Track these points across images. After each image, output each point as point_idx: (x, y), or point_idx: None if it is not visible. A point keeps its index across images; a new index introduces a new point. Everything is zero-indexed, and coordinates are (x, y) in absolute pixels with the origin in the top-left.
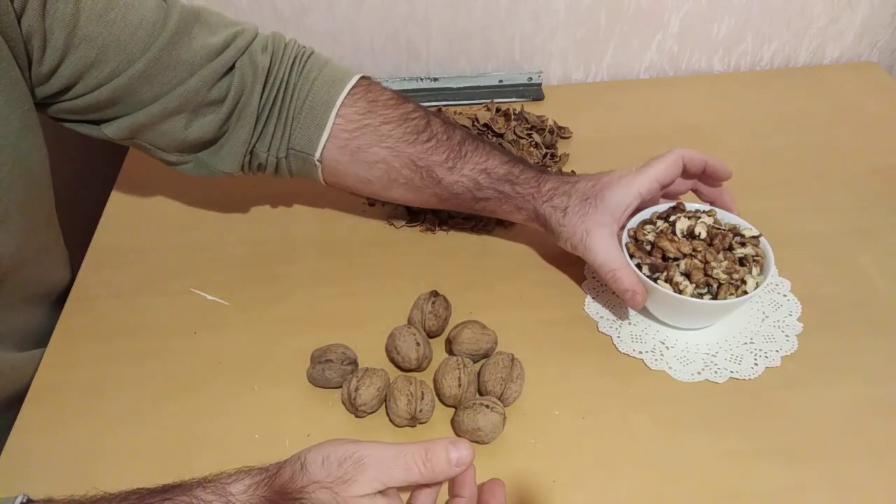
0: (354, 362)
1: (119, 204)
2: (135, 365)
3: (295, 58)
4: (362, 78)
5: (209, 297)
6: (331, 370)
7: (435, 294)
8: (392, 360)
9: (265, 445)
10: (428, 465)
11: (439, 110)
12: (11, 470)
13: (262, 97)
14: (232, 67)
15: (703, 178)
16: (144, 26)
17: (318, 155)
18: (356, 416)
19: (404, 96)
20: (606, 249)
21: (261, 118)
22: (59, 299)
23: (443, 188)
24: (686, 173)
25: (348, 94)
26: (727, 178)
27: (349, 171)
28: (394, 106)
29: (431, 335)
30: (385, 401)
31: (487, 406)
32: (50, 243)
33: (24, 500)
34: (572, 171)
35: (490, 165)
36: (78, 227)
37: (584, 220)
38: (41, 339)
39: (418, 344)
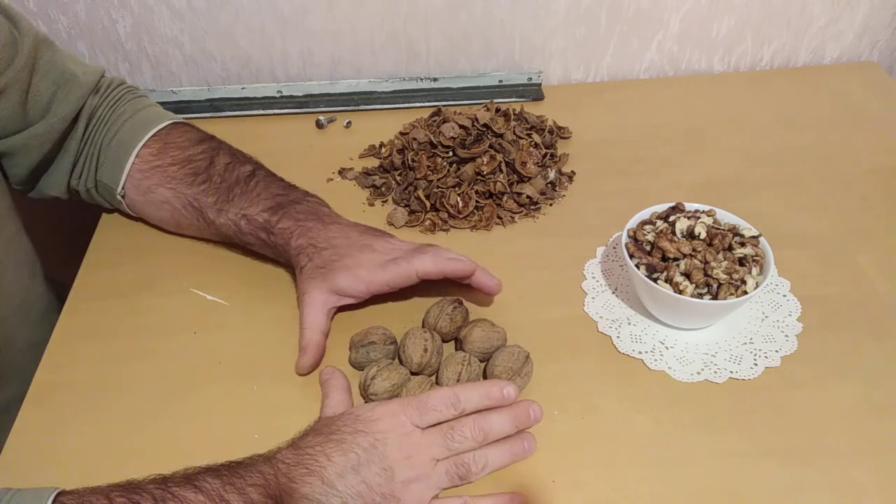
0: (395, 341)
1: None
2: (135, 365)
3: (118, 99)
4: (174, 123)
5: (209, 297)
6: (375, 351)
7: (459, 302)
8: (398, 358)
9: (265, 445)
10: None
11: (439, 111)
12: (11, 470)
13: (84, 132)
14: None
15: (454, 279)
16: None
17: (119, 189)
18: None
19: (205, 135)
20: (311, 311)
21: (80, 150)
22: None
23: (215, 229)
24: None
25: (152, 136)
26: (469, 275)
27: (144, 210)
28: (185, 147)
29: (442, 337)
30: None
31: None
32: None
33: (57, 493)
34: (572, 172)
35: (251, 212)
36: (78, 227)
37: (310, 282)
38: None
39: (426, 350)
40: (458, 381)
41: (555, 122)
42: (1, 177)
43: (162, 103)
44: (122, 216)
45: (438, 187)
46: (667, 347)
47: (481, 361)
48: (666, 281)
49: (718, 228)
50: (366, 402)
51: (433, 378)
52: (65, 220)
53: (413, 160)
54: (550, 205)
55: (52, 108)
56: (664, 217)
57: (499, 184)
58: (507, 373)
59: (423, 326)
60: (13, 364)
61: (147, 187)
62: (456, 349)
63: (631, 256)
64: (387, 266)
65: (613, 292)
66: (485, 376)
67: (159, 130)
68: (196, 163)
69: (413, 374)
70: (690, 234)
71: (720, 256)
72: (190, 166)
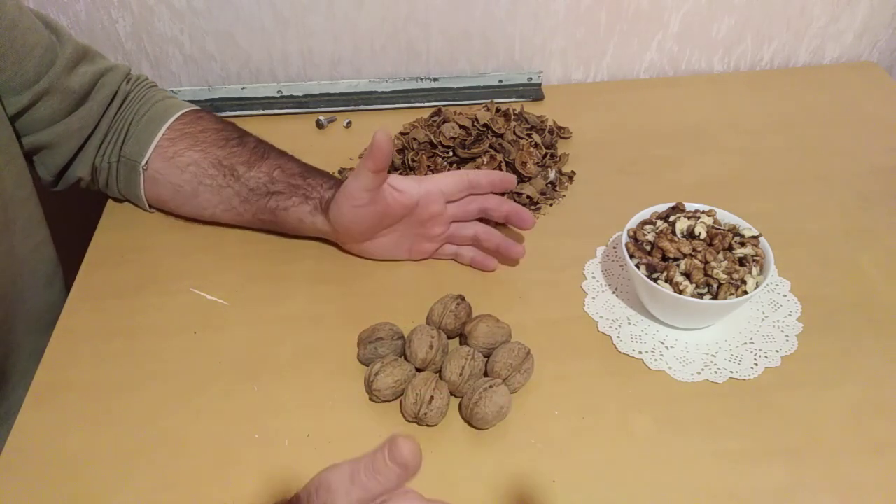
0: (402, 337)
1: (119, 204)
2: (135, 365)
3: (150, 87)
4: (200, 109)
5: (209, 297)
6: (383, 347)
7: (462, 298)
8: (404, 353)
9: (265, 445)
10: (370, 473)
11: (439, 111)
12: (11, 470)
13: (116, 112)
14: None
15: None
16: (38, 50)
17: (143, 162)
18: (369, 399)
19: (232, 123)
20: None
21: (110, 127)
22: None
23: (241, 184)
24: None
25: (184, 113)
26: (509, 189)
27: (164, 179)
28: (216, 121)
29: (448, 334)
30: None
31: (491, 386)
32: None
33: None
34: (572, 172)
35: (286, 166)
36: (78, 227)
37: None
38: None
39: (431, 347)
40: (461, 375)
41: (555, 122)
42: (33, 186)
43: None
44: (122, 216)
45: None
46: (667, 347)
47: (485, 356)
48: (666, 281)
49: (718, 228)
50: (370, 399)
51: (437, 375)
52: (66, 219)
53: (413, 160)
54: (550, 205)
55: (91, 95)
56: (664, 217)
57: None
58: (507, 369)
59: (427, 324)
60: (19, 370)
61: (174, 152)
62: (460, 344)
63: (631, 256)
64: (441, 173)
65: (613, 292)
66: (486, 374)
67: (189, 111)
68: (228, 132)
69: (418, 370)
70: (690, 234)
71: (720, 256)
72: (222, 133)
